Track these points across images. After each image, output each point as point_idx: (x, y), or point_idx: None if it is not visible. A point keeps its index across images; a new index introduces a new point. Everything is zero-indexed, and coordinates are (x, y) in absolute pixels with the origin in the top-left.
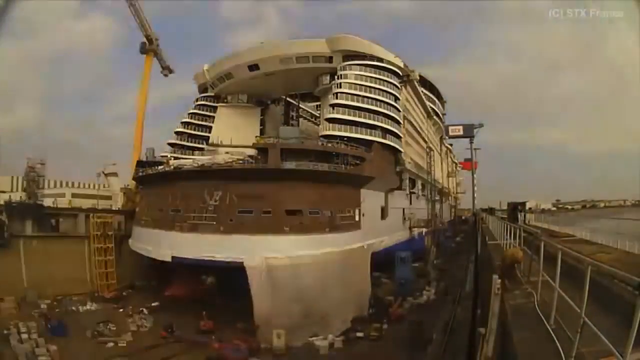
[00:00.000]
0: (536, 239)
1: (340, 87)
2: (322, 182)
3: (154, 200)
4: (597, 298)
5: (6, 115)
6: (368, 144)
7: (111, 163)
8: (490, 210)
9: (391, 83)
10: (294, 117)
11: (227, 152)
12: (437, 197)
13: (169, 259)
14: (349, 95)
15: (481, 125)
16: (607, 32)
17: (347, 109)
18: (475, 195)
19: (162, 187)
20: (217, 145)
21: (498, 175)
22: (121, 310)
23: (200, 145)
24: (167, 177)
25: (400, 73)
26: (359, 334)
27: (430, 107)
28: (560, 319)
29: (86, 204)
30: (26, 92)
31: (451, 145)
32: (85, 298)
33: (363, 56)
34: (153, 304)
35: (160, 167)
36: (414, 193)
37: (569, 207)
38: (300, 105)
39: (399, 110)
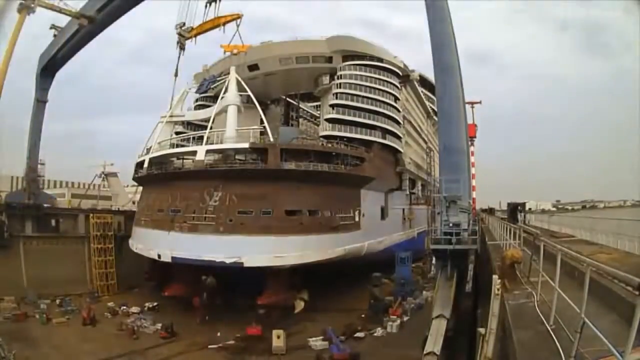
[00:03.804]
0: (536, 240)
1: (340, 87)
2: (321, 183)
3: (153, 200)
4: (597, 298)
5: None
6: (368, 144)
7: (110, 163)
8: (490, 211)
9: (391, 83)
10: (294, 117)
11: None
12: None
13: (169, 259)
14: (349, 96)
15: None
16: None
17: (346, 109)
18: (475, 195)
19: (162, 188)
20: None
21: (498, 175)
22: None
23: (198, 147)
24: (167, 177)
25: (400, 73)
26: (359, 334)
27: (430, 107)
28: (560, 319)
29: (86, 204)
30: None
31: None
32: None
33: (363, 56)
34: (153, 304)
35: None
36: (414, 193)
37: (569, 207)
38: (300, 105)
39: (398, 111)
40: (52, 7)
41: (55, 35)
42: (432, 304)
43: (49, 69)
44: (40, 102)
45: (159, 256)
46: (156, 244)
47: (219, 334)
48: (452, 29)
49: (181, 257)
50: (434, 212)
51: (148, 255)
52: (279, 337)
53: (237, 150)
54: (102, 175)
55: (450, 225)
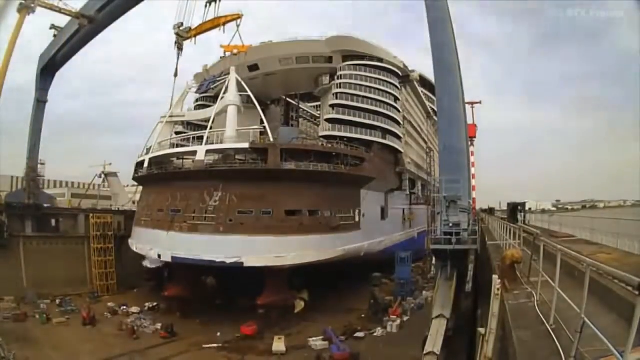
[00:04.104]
0: (536, 240)
1: (340, 87)
2: (321, 183)
3: (153, 200)
4: (597, 298)
5: None
6: (368, 144)
7: (109, 163)
8: (490, 211)
9: (391, 83)
10: (294, 117)
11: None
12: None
13: (169, 259)
14: (349, 96)
15: None
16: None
17: (346, 110)
18: (475, 195)
19: (162, 187)
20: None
21: (498, 176)
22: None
23: (198, 147)
24: (167, 177)
25: (400, 73)
26: (359, 334)
27: (430, 107)
28: (560, 319)
29: (86, 204)
30: None
31: None
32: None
33: (363, 56)
34: (153, 304)
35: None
36: (414, 193)
37: (569, 207)
38: (300, 106)
39: (399, 111)
40: (52, 7)
41: (55, 35)
42: (432, 304)
43: (49, 69)
44: (40, 102)
45: (159, 256)
46: (156, 243)
47: (218, 334)
48: (452, 29)
49: (181, 257)
50: (434, 212)
51: (148, 255)
52: (279, 339)
53: (237, 150)
54: (102, 175)
55: (450, 225)
